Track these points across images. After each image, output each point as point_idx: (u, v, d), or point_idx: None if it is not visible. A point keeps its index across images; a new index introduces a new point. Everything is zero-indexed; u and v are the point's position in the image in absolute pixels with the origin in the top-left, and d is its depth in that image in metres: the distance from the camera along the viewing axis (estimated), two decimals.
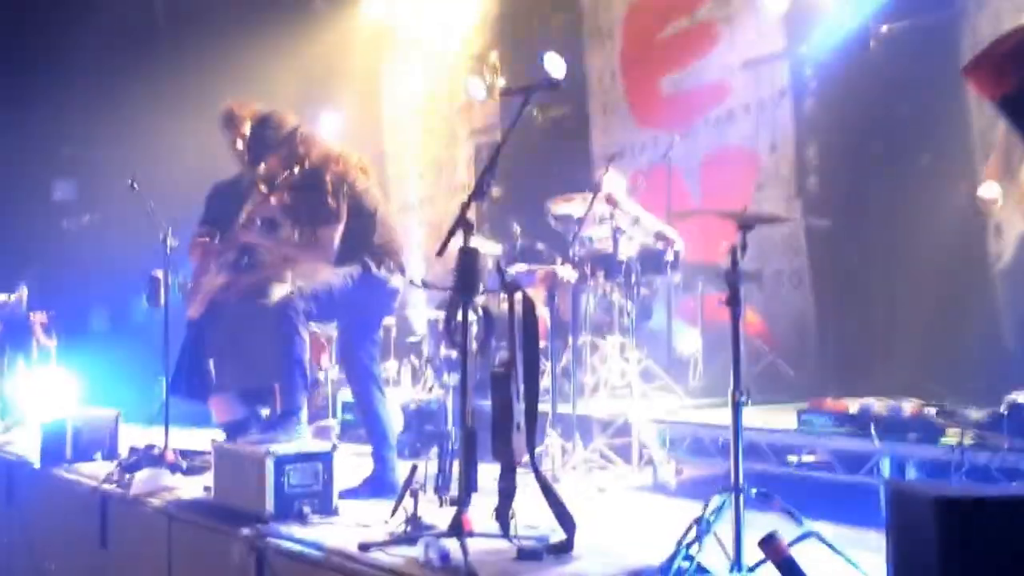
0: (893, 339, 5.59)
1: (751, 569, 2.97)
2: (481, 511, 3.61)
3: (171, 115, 9.00)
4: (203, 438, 4.77)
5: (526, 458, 3.72)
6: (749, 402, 3.13)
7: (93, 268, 8.94)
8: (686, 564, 2.95)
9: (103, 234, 8.33)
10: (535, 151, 8.45)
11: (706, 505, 3.09)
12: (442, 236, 3.56)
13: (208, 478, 4.32)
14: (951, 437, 3.80)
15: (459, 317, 3.48)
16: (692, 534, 3.02)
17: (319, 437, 5.60)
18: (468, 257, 3.49)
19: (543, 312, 5.83)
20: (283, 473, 3.88)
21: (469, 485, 3.41)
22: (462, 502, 3.37)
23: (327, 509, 3.95)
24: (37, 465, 5.53)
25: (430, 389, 5.91)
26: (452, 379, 5.46)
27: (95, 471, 5.05)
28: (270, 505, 3.84)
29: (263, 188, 4.59)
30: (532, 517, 3.78)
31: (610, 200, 5.48)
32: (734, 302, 3.17)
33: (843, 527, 3.60)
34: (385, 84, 10.20)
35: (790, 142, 6.57)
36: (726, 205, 6.33)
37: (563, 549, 3.32)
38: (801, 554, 2.90)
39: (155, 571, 4.23)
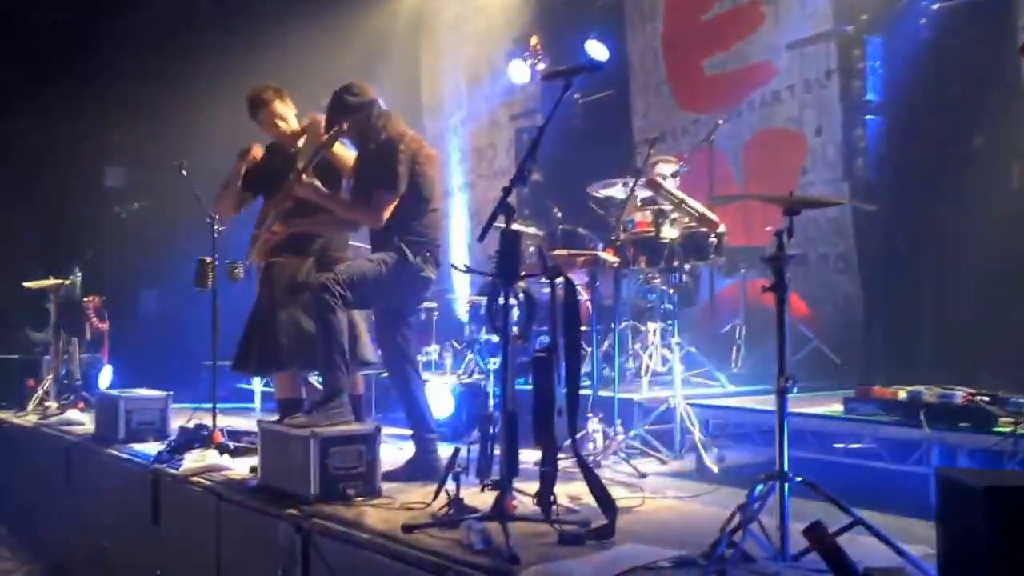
0: (942, 326, 5.48)
1: (796, 557, 2.94)
2: (523, 495, 3.63)
3: (219, 101, 9.10)
4: (250, 420, 4.85)
5: (568, 442, 3.73)
6: (795, 388, 3.10)
7: (144, 253, 9.10)
8: (730, 551, 2.93)
9: (153, 220, 8.47)
10: (576, 135, 8.43)
11: (750, 492, 3.06)
12: (483, 221, 3.56)
13: (255, 459, 4.39)
14: (1004, 426, 3.72)
15: (500, 302, 3.48)
16: (736, 521, 3.00)
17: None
18: (509, 242, 3.49)
19: (584, 297, 5.83)
20: (327, 455, 3.93)
21: (511, 469, 3.42)
22: (504, 486, 3.38)
23: (371, 491, 3.99)
24: (92, 445, 5.68)
25: (471, 373, 5.94)
26: (494, 363, 5.48)
27: (147, 451, 5.17)
28: (315, 486, 3.89)
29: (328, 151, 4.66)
30: (574, 502, 3.79)
31: (652, 184, 5.44)
32: (779, 288, 3.13)
33: (890, 516, 3.56)
34: (424, 68, 10.20)
35: (837, 124, 6.46)
36: (770, 188, 6.26)
37: (605, 534, 3.32)
38: (847, 543, 2.87)
39: (205, 549, 4.32)
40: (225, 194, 5.14)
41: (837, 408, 4.33)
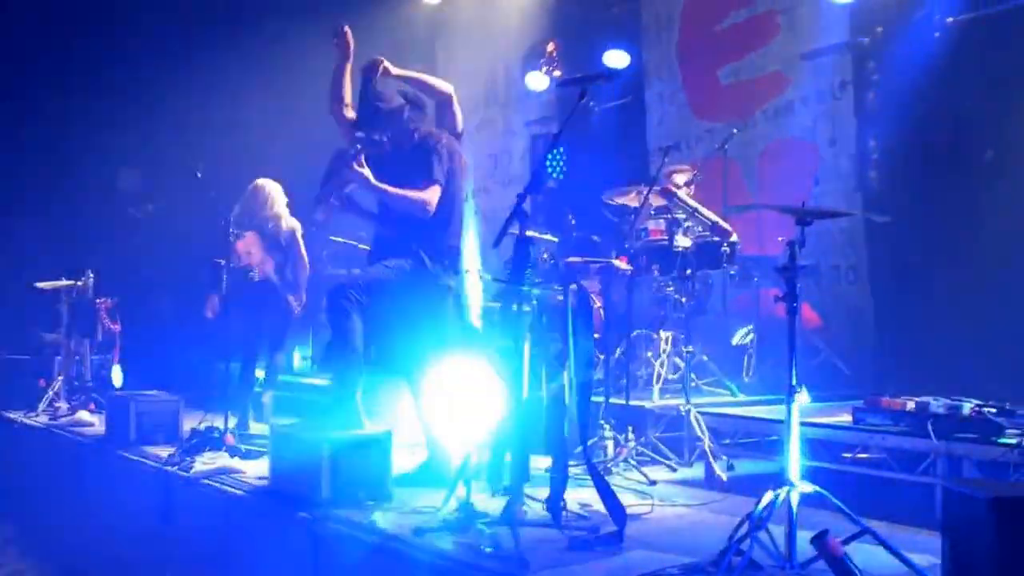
0: (952, 338, 5.47)
1: (803, 566, 2.96)
2: (533, 500, 3.65)
3: (233, 104, 9.18)
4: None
5: (579, 449, 3.75)
6: (806, 397, 3.11)
7: (157, 255, 9.15)
8: (737, 559, 2.95)
9: (167, 222, 8.55)
10: (591, 143, 8.46)
11: (759, 501, 3.08)
12: (497, 227, 3.59)
13: (266, 462, 4.42)
14: (1010, 437, 3.73)
15: (514, 307, 3.51)
16: (744, 529, 3.02)
17: None
18: (523, 248, 3.52)
19: (597, 304, 5.85)
20: (339, 458, 3.96)
21: (522, 474, 3.45)
22: (514, 491, 3.40)
23: (382, 495, 4.02)
24: (102, 446, 5.72)
25: None
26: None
27: (158, 453, 5.21)
28: (326, 490, 3.92)
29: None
30: (584, 508, 3.81)
31: (666, 192, 5.46)
32: (791, 298, 3.15)
33: (897, 526, 3.57)
34: (440, 73, 10.24)
35: (851, 135, 6.47)
36: (783, 198, 6.26)
37: (614, 540, 3.34)
38: (855, 552, 2.88)
39: (216, 552, 4.35)
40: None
41: (846, 418, 4.34)
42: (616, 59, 7.63)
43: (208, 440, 5.14)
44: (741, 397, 5.65)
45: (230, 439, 5.17)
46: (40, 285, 7.67)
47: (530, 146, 9.12)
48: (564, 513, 3.52)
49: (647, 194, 5.44)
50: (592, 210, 6.44)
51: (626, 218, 5.78)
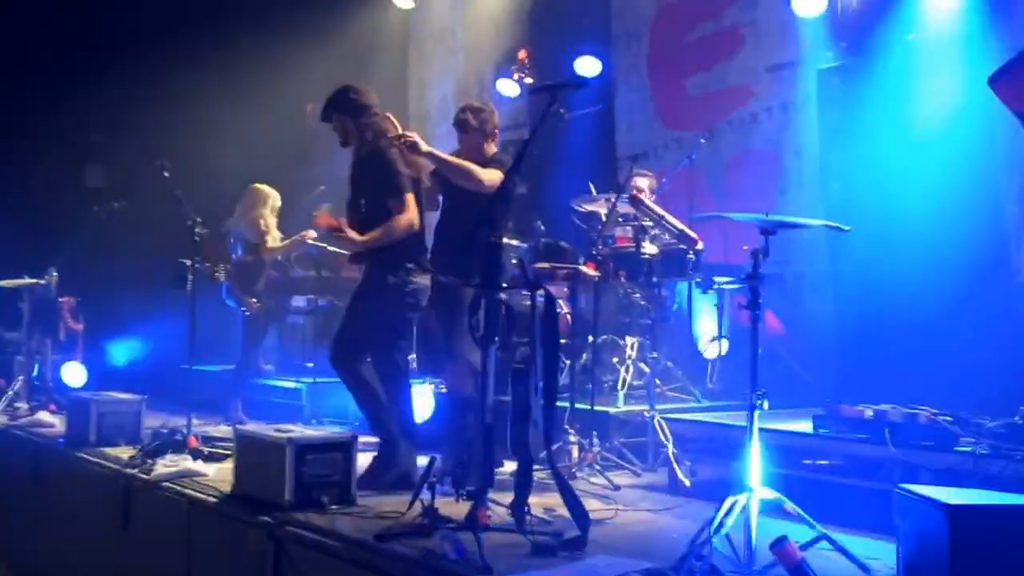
0: (911, 347, 5.57)
1: (762, 571, 3.00)
2: (497, 505, 3.66)
3: (202, 104, 9.11)
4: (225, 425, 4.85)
5: (543, 454, 3.77)
6: (766, 405, 3.16)
7: (122, 254, 9.05)
8: (698, 564, 2.98)
9: (133, 221, 8.44)
10: (560, 149, 8.49)
11: (719, 506, 3.12)
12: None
13: (230, 465, 4.39)
14: (965, 446, 3.81)
15: (481, 312, 3.52)
16: (705, 534, 3.06)
17: None
18: (492, 253, 3.54)
19: (564, 310, 5.88)
20: (303, 462, 3.94)
21: (486, 479, 3.46)
22: (479, 496, 3.41)
23: (346, 499, 4.01)
24: (62, 448, 5.64)
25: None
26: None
27: (119, 455, 5.15)
28: (289, 493, 3.90)
29: None
30: (547, 513, 3.83)
31: (634, 200, 5.50)
32: (754, 306, 3.20)
33: (855, 532, 3.63)
34: (412, 78, 10.24)
35: (814, 147, 6.56)
36: (748, 208, 6.33)
37: (577, 545, 3.36)
38: (812, 558, 2.93)
39: (175, 556, 4.31)
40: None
41: (807, 425, 4.40)
42: (587, 66, 7.68)
43: (170, 442, 5.10)
44: (705, 403, 5.71)
45: (192, 442, 5.12)
46: (1, 283, 7.55)
47: (500, 151, 9.12)
48: (528, 518, 3.53)
49: (615, 201, 5.48)
50: (561, 216, 6.47)
51: (594, 225, 5.82)
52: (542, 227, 6.51)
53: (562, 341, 4.89)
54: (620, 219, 5.78)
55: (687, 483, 4.54)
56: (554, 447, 4.07)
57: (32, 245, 8.52)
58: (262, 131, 9.14)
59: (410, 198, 4.56)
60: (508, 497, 3.63)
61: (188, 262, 5.47)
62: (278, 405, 7.13)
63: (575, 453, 4.86)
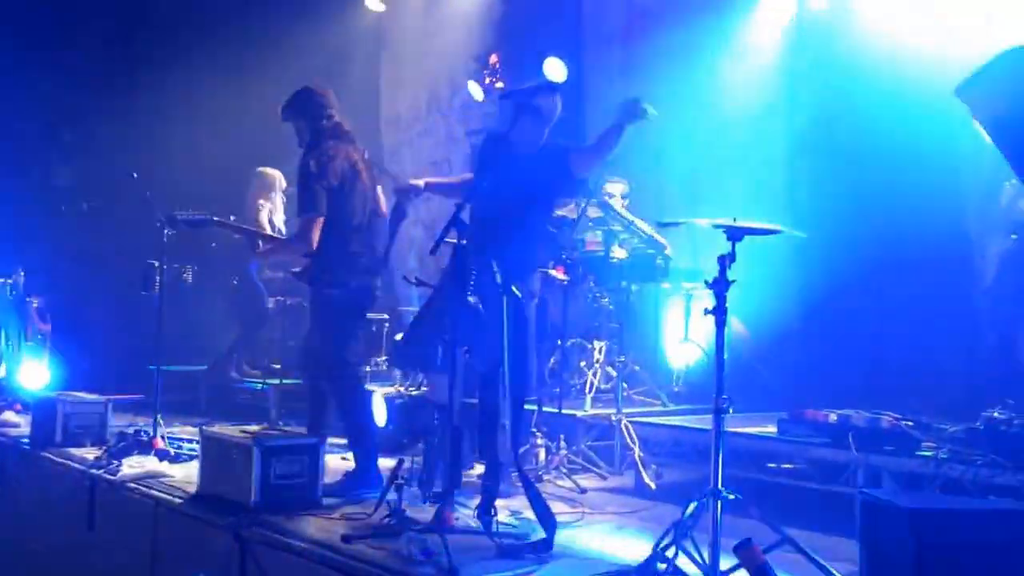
0: (874, 353, 5.66)
1: (726, 574, 3.03)
2: (464, 508, 3.67)
3: (173, 105, 9.04)
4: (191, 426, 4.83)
5: (510, 457, 3.79)
6: (731, 409, 3.19)
7: (90, 254, 8.95)
8: (663, 567, 3.01)
9: (101, 221, 8.36)
10: None
11: (685, 509, 3.15)
12: (436, 235, 3.62)
13: (196, 466, 4.36)
14: (927, 450, 3.87)
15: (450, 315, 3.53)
16: (670, 537, 3.08)
17: None
18: (461, 256, 3.55)
19: (532, 313, 5.89)
20: (269, 463, 3.93)
21: (453, 482, 3.47)
22: (445, 498, 3.42)
23: (312, 500, 4.00)
24: (28, 448, 5.57)
25: (419, 385, 5.96)
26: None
27: (84, 456, 5.10)
28: (256, 495, 3.88)
29: None
30: (514, 515, 3.85)
31: (604, 205, 5.54)
32: (719, 311, 3.23)
33: (818, 535, 3.67)
34: (384, 80, 10.23)
35: (780, 154, 6.64)
36: (717, 214, 6.39)
37: (543, 548, 3.38)
38: (776, 561, 2.96)
39: (140, 556, 4.27)
40: None
41: (771, 429, 4.45)
42: (554, 68, 7.68)
43: (136, 443, 5.05)
44: (671, 407, 5.74)
45: (158, 443, 5.09)
46: None
47: (471, 155, 9.15)
48: (495, 521, 3.54)
49: (585, 206, 5.51)
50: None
51: (564, 229, 5.85)
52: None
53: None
54: (590, 223, 5.81)
55: (653, 486, 4.57)
56: (521, 450, 4.09)
57: None
58: (234, 131, 9.09)
59: (310, 221, 4.41)
60: (475, 500, 3.65)
61: (156, 263, 5.43)
62: (245, 406, 7.09)
63: (542, 456, 4.88)
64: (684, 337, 6.30)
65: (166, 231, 5.39)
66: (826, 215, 6.23)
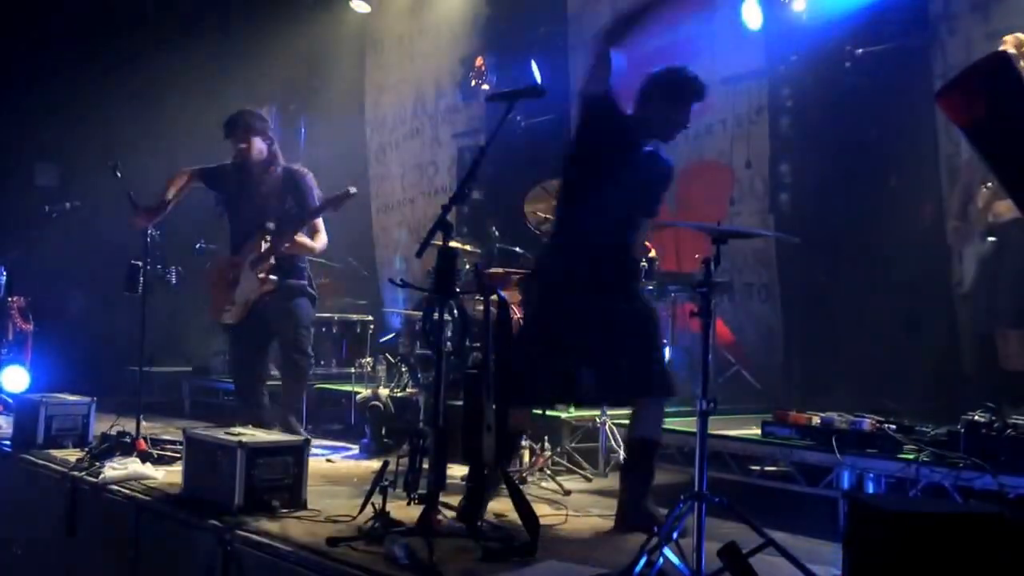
0: (856, 356, 5.70)
1: None
2: (449, 510, 3.67)
3: (156, 105, 8.99)
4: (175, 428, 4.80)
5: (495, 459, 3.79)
6: (715, 411, 3.21)
7: (73, 254, 8.89)
8: (647, 570, 3.02)
9: (84, 220, 8.28)
10: (516, 157, 8.53)
11: (669, 511, 3.16)
12: (422, 237, 3.62)
13: (179, 468, 4.34)
14: (909, 453, 3.90)
15: (435, 317, 3.53)
16: (654, 540, 3.09)
17: None
18: (446, 259, 3.55)
19: (518, 315, 5.89)
20: (253, 465, 3.91)
21: (438, 484, 3.46)
22: (430, 501, 3.42)
23: (296, 503, 3.99)
24: (8, 450, 5.53)
25: (404, 387, 5.96)
26: (427, 378, 5.52)
27: (66, 457, 5.06)
28: (239, 497, 3.87)
29: None
30: (499, 518, 3.85)
31: None
32: (705, 313, 3.25)
33: (802, 538, 3.69)
34: (369, 82, 10.22)
35: (765, 159, 6.68)
36: (701, 218, 6.44)
37: (528, 551, 3.38)
38: (760, 563, 2.98)
39: (122, 560, 4.24)
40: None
41: (755, 431, 4.47)
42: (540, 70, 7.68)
43: (119, 445, 5.02)
44: None
45: (142, 444, 5.05)
46: None
47: (457, 157, 9.16)
48: (479, 523, 3.54)
49: None
50: (516, 222, 6.49)
51: (548, 231, 5.85)
52: (496, 232, 6.54)
53: None
54: None
55: None
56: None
57: None
58: (218, 132, 9.06)
59: None
60: (460, 501, 3.64)
61: (140, 263, 5.39)
62: (229, 406, 7.05)
63: (526, 458, 4.88)
64: (668, 340, 6.33)
65: (150, 231, 5.37)
66: (807, 218, 6.28)
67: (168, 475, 4.59)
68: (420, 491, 3.59)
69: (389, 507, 3.60)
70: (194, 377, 8.00)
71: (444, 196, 8.74)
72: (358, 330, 7.22)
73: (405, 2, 9.57)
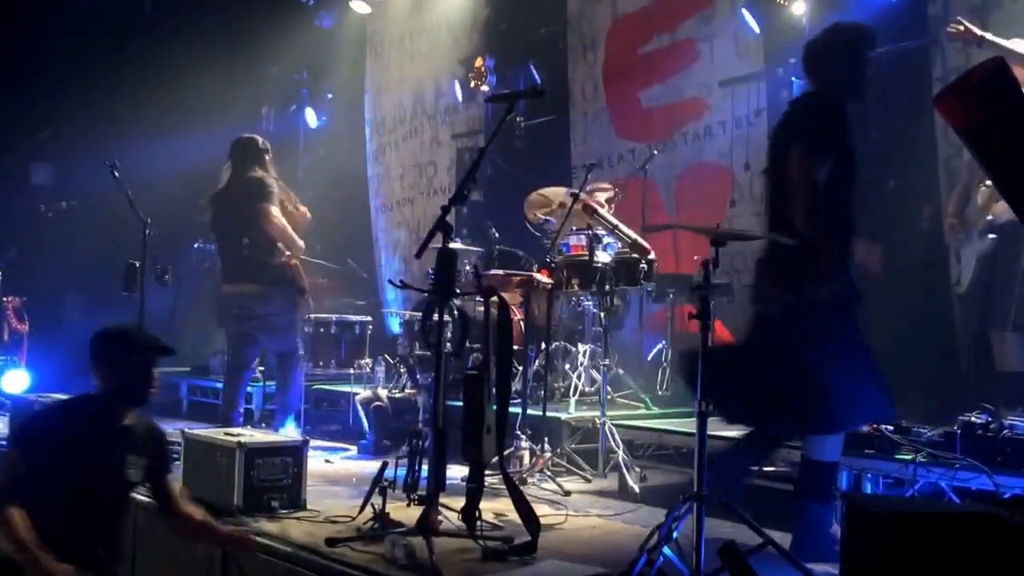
0: None
1: None
2: (449, 510, 3.67)
3: (153, 104, 8.99)
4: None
5: (495, 459, 3.80)
6: (715, 412, 3.22)
7: (70, 254, 8.88)
8: (647, 569, 3.03)
9: (80, 220, 8.28)
10: (516, 158, 8.54)
11: (669, 512, 3.17)
12: (421, 238, 3.62)
13: (179, 469, 4.34)
14: (906, 454, 3.91)
15: (435, 318, 3.54)
16: (654, 540, 3.10)
17: None
18: (446, 259, 3.55)
19: (517, 316, 5.91)
20: (253, 466, 3.92)
21: (438, 484, 3.47)
22: (430, 501, 3.42)
23: (296, 503, 3.99)
24: (4, 450, 5.52)
25: (403, 388, 5.97)
26: (426, 378, 5.52)
27: None
28: (239, 498, 3.87)
29: None
30: (498, 518, 3.85)
31: (588, 209, 5.56)
32: (704, 315, 3.25)
33: None
34: (369, 83, 10.22)
35: (764, 160, 6.67)
36: (700, 220, 6.44)
37: (527, 550, 3.39)
38: (758, 563, 2.99)
39: None
40: None
41: None
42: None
43: None
44: (655, 410, 5.77)
45: None
46: None
47: (456, 158, 9.16)
48: (479, 523, 3.55)
49: (569, 210, 5.53)
50: (516, 223, 6.50)
51: (548, 232, 5.87)
52: (496, 234, 6.55)
53: (515, 347, 4.92)
54: (573, 227, 5.84)
55: (636, 489, 4.59)
56: (505, 452, 4.10)
57: None
58: (217, 132, 9.06)
59: None
60: (459, 502, 3.65)
61: (137, 263, 5.39)
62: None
63: (526, 458, 4.89)
64: (664, 341, 6.34)
65: (147, 231, 5.36)
66: None
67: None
68: (420, 492, 3.59)
69: (389, 508, 3.60)
70: (192, 377, 8.00)
71: (444, 196, 8.74)
72: (357, 331, 7.21)
73: (405, 2, 9.58)
